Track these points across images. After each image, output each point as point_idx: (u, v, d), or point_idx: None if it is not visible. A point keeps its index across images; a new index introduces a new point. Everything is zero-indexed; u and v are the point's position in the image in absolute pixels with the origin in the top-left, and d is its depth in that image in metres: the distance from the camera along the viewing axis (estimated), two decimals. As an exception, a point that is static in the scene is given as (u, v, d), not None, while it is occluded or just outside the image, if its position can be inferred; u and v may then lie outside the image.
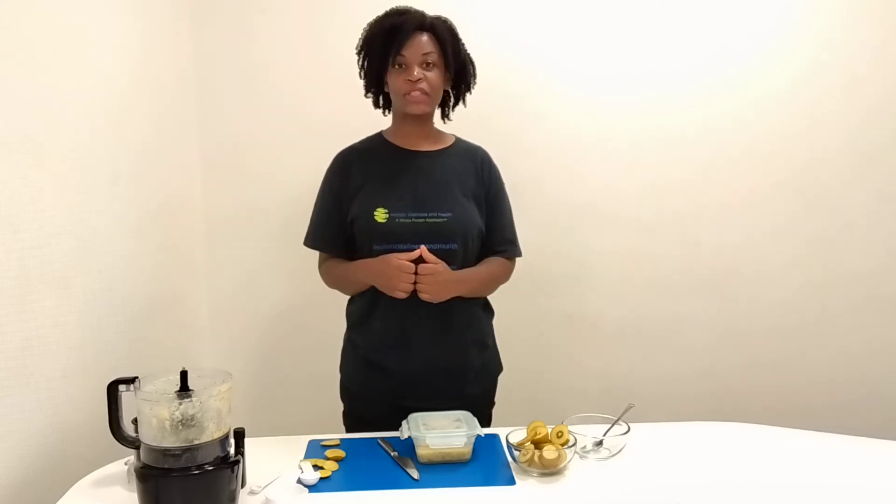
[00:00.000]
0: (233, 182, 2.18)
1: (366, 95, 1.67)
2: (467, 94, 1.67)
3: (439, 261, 1.52)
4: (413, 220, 1.56)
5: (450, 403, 1.50)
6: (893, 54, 2.21)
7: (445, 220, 1.56)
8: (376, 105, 1.68)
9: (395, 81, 1.56)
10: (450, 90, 1.66)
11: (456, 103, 1.69)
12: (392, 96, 1.61)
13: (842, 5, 2.19)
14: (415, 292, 1.52)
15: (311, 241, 1.68)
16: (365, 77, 1.63)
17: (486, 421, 1.68)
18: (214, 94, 2.14)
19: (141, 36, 1.81)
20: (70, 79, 1.47)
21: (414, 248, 1.53)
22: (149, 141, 1.83)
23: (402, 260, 1.50)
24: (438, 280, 1.51)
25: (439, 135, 1.68)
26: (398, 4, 1.60)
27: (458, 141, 1.70)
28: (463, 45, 1.62)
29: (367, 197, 1.59)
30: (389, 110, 1.68)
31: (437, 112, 1.68)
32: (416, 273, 1.50)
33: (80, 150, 1.49)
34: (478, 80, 1.67)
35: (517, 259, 1.73)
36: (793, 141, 2.24)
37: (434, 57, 1.54)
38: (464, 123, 1.71)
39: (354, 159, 1.65)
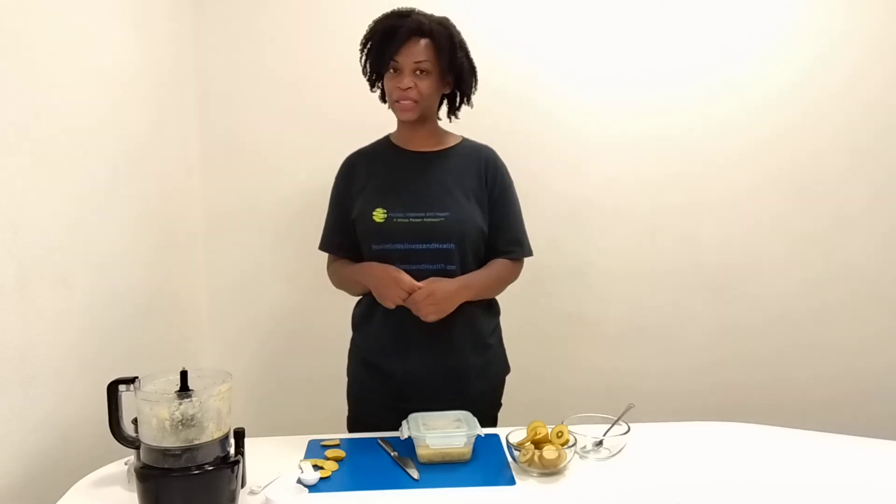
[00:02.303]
0: (233, 180, 2.18)
1: (372, 90, 1.67)
2: (470, 97, 1.66)
3: (421, 285, 1.53)
4: (410, 219, 1.56)
5: (451, 405, 1.50)
6: (891, 52, 2.21)
7: (442, 219, 1.56)
8: (383, 100, 1.68)
9: (387, 85, 1.58)
10: (455, 91, 1.65)
11: (461, 104, 1.68)
12: (386, 97, 1.62)
13: (840, 4, 2.19)
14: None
15: (322, 244, 1.72)
16: (367, 72, 1.64)
17: (490, 422, 1.67)
18: (214, 92, 2.14)
19: (141, 31, 1.80)
20: (70, 78, 1.46)
21: (411, 248, 1.55)
22: (148, 140, 1.83)
23: (403, 276, 1.52)
24: (437, 298, 1.52)
25: (444, 135, 1.68)
26: (402, 5, 1.60)
27: (465, 141, 1.69)
28: (464, 51, 1.60)
29: (367, 198, 1.61)
30: None
31: (445, 109, 1.68)
32: (413, 294, 1.53)
33: (79, 150, 1.49)
34: (476, 79, 1.66)
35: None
36: (794, 139, 2.24)
37: (428, 65, 1.54)
38: (459, 121, 1.71)
39: (358, 163, 1.67)
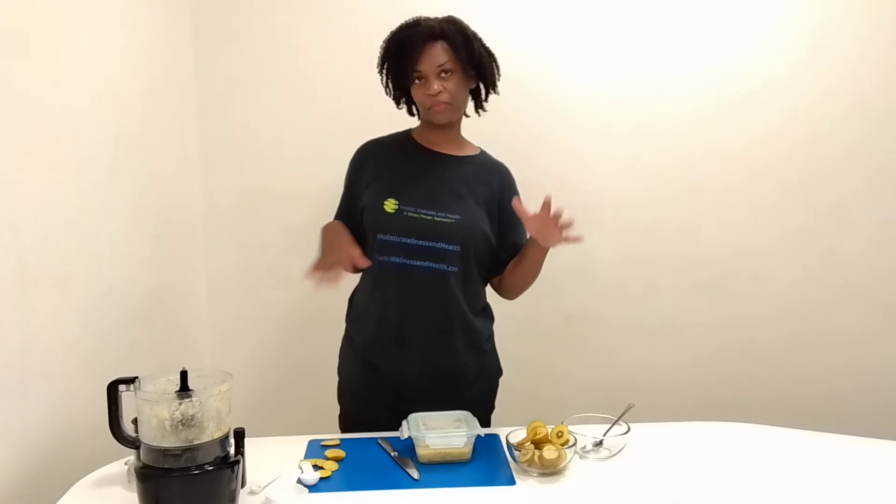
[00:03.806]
0: (232, 176, 2.17)
1: (398, 107, 1.68)
2: (496, 84, 1.66)
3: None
4: (421, 216, 1.56)
5: (447, 406, 1.50)
6: (884, 44, 2.21)
7: (452, 221, 1.57)
8: (410, 113, 1.69)
9: (416, 95, 1.58)
10: (479, 85, 1.65)
11: (487, 95, 1.68)
12: (419, 109, 1.63)
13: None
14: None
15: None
16: (390, 91, 1.65)
17: (484, 424, 1.67)
18: (213, 86, 2.13)
19: (138, 26, 1.80)
20: (67, 73, 1.46)
21: (416, 244, 1.55)
22: (146, 135, 1.82)
23: (353, 251, 1.48)
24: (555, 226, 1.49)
25: (464, 143, 1.69)
26: (405, 8, 1.60)
27: (483, 154, 1.70)
28: (478, 41, 1.61)
29: (380, 187, 1.61)
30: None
31: (471, 104, 1.68)
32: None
33: (77, 147, 1.49)
34: (497, 64, 1.66)
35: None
36: (792, 132, 2.23)
37: (450, 64, 1.54)
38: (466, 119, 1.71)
39: (374, 151, 1.67)
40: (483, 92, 1.67)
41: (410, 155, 1.65)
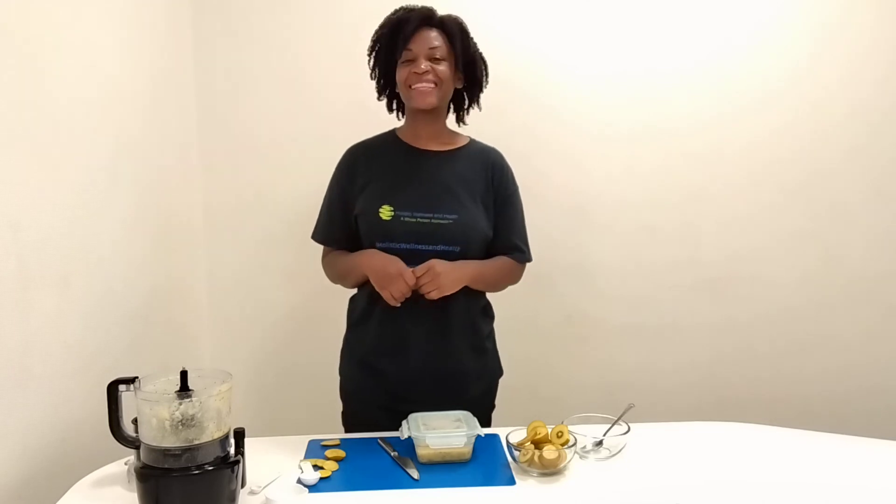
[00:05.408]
0: (233, 176, 2.17)
1: (379, 98, 1.66)
2: (480, 94, 1.66)
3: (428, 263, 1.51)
4: (418, 219, 1.55)
5: (447, 407, 1.49)
6: (884, 45, 2.22)
7: (450, 222, 1.55)
8: (390, 109, 1.68)
9: (401, 74, 1.55)
10: (463, 92, 1.65)
11: (470, 105, 1.68)
12: (400, 92, 1.60)
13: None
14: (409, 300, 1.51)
15: (317, 235, 1.69)
16: (376, 77, 1.63)
17: (485, 424, 1.67)
18: (213, 86, 2.14)
19: (139, 26, 1.80)
20: (67, 73, 1.46)
21: (416, 248, 1.54)
22: (147, 135, 1.82)
23: (407, 271, 1.49)
24: (436, 271, 1.49)
25: (452, 135, 1.67)
26: (407, 3, 1.61)
27: (473, 142, 1.68)
28: (473, 42, 1.61)
29: (373, 193, 1.59)
30: (403, 113, 1.67)
31: (453, 115, 1.68)
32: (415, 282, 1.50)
33: (79, 149, 1.49)
34: (488, 73, 1.66)
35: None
36: (791, 133, 2.24)
37: (443, 52, 1.53)
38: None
39: (363, 155, 1.65)
40: (466, 101, 1.66)
41: (400, 156, 1.62)
